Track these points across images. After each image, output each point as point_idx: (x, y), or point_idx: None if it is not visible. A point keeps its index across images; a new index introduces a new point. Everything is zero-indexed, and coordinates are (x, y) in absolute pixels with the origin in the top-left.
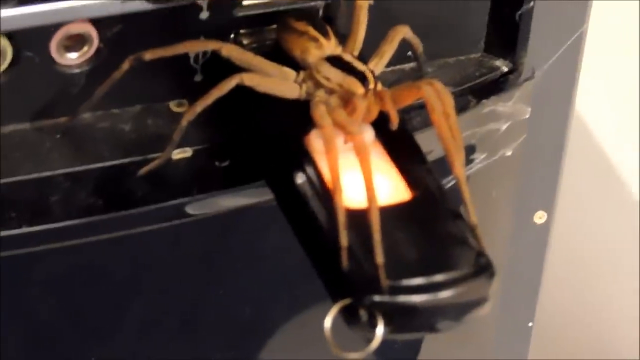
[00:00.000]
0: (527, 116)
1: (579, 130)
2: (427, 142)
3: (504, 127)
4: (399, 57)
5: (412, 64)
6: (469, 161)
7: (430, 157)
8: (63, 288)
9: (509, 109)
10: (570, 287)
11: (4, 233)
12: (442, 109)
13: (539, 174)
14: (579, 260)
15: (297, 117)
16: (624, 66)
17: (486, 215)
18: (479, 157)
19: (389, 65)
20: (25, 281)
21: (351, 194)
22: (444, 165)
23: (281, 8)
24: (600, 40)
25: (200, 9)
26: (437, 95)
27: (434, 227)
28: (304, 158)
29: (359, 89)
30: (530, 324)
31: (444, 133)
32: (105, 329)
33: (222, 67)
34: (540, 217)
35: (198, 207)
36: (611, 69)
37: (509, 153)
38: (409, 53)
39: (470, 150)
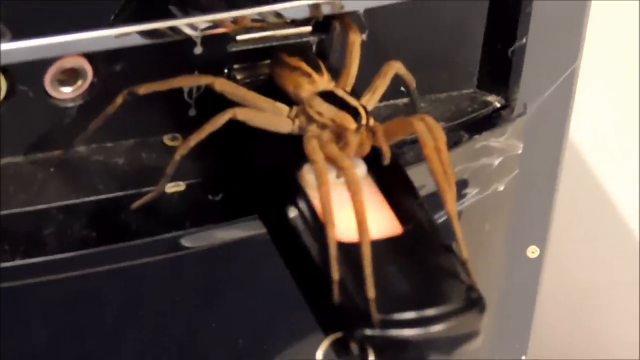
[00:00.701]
0: (520, 152)
1: (574, 152)
2: (420, 177)
3: (497, 162)
4: (393, 92)
5: (405, 99)
6: (461, 196)
7: (423, 192)
8: (57, 320)
9: (502, 145)
10: (569, 316)
11: None
12: (433, 144)
13: (532, 209)
14: (577, 291)
15: (289, 151)
16: (624, 69)
17: (479, 249)
18: (472, 191)
19: (382, 99)
20: (20, 314)
21: (343, 228)
22: (436, 199)
23: (274, 43)
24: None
25: (194, 44)
26: (429, 131)
27: (425, 261)
28: (296, 192)
29: (351, 124)
30: (523, 358)
31: (436, 168)
32: None
33: (216, 102)
34: (532, 252)
35: (191, 240)
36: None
37: (501, 188)
38: (402, 88)
39: (462, 185)
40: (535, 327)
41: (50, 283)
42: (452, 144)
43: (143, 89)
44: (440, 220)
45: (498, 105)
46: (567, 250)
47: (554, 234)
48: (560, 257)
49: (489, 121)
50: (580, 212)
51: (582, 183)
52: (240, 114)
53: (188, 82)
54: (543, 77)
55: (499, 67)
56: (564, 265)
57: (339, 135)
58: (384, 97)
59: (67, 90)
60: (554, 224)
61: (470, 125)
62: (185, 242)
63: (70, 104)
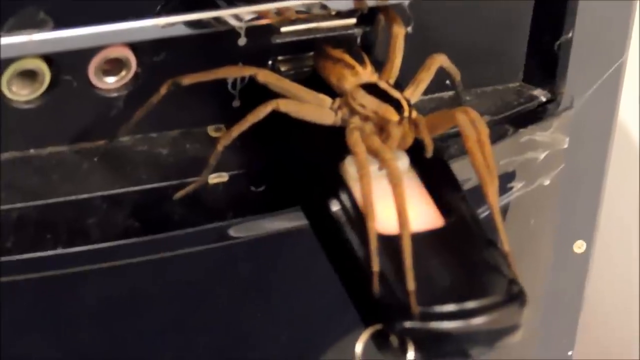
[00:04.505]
0: (566, 146)
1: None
2: (464, 170)
3: (542, 156)
4: (438, 85)
5: (450, 92)
6: (506, 189)
7: (467, 186)
8: (100, 309)
9: (547, 139)
10: (617, 312)
11: (40, 254)
12: (476, 137)
13: (578, 204)
14: (626, 286)
15: (332, 143)
16: None
17: (525, 244)
18: (517, 185)
19: (427, 93)
20: (63, 302)
21: (384, 220)
22: (480, 193)
23: (319, 36)
24: None
25: (238, 35)
26: (472, 124)
27: (466, 254)
28: (338, 184)
29: (394, 116)
30: (570, 353)
31: (478, 161)
32: (141, 352)
33: (260, 93)
34: (579, 247)
35: (233, 231)
36: None
37: (547, 182)
38: (448, 81)
39: (508, 178)
40: (582, 323)
41: (92, 272)
42: (498, 137)
43: (187, 80)
44: (483, 215)
45: (544, 99)
46: (616, 244)
47: (601, 228)
48: (609, 252)
49: (535, 115)
50: (629, 206)
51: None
52: (283, 105)
53: (232, 73)
54: (590, 71)
55: (546, 60)
56: (612, 260)
57: (382, 128)
58: (429, 90)
59: (111, 80)
60: (602, 218)
61: (515, 119)
62: (228, 232)
63: (115, 94)
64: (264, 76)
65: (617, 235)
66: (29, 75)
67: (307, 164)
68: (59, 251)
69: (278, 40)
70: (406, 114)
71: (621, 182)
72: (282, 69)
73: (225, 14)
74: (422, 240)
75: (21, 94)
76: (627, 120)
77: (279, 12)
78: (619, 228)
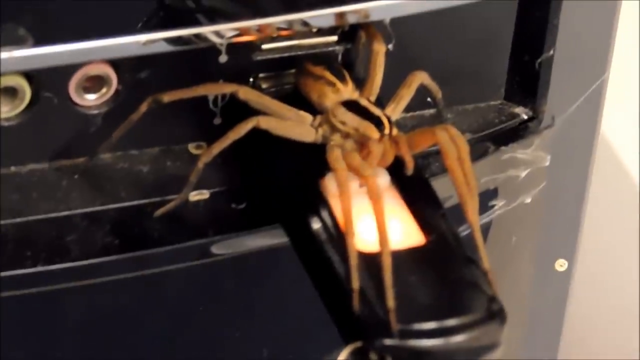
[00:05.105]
0: (547, 164)
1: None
2: (446, 188)
3: (524, 174)
4: (420, 102)
5: (431, 110)
6: (487, 207)
7: (449, 203)
8: (78, 327)
9: (529, 156)
10: (599, 330)
11: (20, 272)
12: (456, 155)
13: (560, 222)
14: (608, 304)
15: (312, 160)
16: None
17: (506, 262)
18: (499, 203)
19: (408, 110)
20: (41, 320)
21: (365, 237)
22: (461, 211)
23: (300, 53)
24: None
25: (219, 52)
26: (452, 141)
27: (446, 272)
28: (318, 201)
29: (374, 133)
30: None
31: (458, 178)
32: None
33: (242, 111)
34: (561, 265)
35: (214, 249)
36: None
37: (528, 200)
38: (429, 99)
39: (489, 196)
40: (564, 340)
41: (72, 290)
42: (479, 155)
43: (167, 97)
44: (464, 233)
45: (525, 117)
46: (597, 263)
47: (583, 246)
48: (590, 270)
49: (516, 133)
50: (612, 221)
51: (617, 188)
52: (264, 122)
53: (212, 90)
54: (571, 89)
55: (527, 78)
56: (594, 279)
57: (362, 145)
58: (411, 108)
59: (91, 97)
60: (584, 235)
61: (497, 137)
62: (208, 250)
63: (95, 111)
64: (244, 93)
65: (599, 252)
66: (9, 92)
67: (287, 181)
68: (39, 269)
69: (259, 58)
70: (387, 131)
71: (603, 201)
72: (263, 86)
73: (207, 30)
74: (402, 257)
75: (1, 111)
76: (609, 138)
77: (260, 29)
78: (601, 245)
